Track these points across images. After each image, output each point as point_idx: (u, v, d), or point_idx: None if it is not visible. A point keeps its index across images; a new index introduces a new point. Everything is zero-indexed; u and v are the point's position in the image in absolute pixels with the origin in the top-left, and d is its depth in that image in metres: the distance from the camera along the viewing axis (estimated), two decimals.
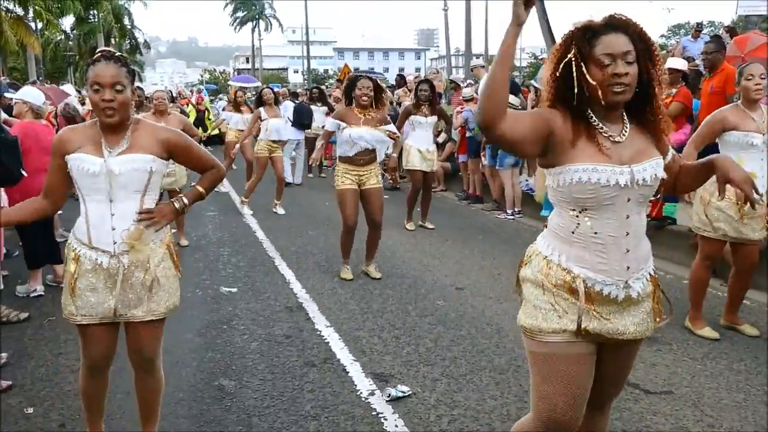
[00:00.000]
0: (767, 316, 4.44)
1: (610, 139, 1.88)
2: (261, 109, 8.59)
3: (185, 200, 2.57)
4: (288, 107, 11.04)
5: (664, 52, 11.48)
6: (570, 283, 1.91)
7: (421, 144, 7.36)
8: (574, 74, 1.84)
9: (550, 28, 13.17)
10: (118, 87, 2.33)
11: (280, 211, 8.53)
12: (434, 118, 7.46)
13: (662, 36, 37.36)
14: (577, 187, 1.85)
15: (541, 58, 14.29)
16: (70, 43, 42.97)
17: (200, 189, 2.62)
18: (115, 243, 2.40)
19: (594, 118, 1.90)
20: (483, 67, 10.60)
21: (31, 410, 3.22)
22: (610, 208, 1.87)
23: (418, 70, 55.49)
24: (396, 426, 3.00)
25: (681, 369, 3.62)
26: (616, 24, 1.85)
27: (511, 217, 8.06)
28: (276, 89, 12.17)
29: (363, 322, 4.40)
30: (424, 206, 7.57)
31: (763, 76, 3.81)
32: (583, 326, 1.90)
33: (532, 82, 9.10)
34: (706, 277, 4.16)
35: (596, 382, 2.05)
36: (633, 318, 1.97)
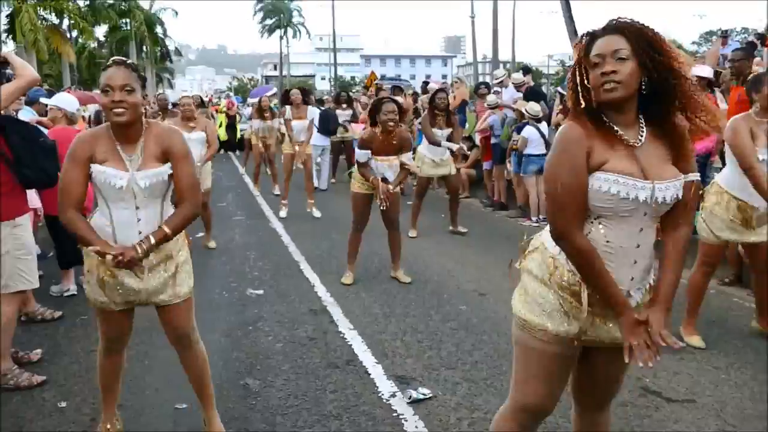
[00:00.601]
0: None
1: (626, 143, 1.87)
2: (287, 107, 8.70)
3: (152, 241, 2.55)
4: (313, 113, 11.19)
5: (695, 58, 11.33)
6: (574, 286, 1.92)
7: (434, 154, 7.42)
8: (577, 80, 1.89)
9: (577, 35, 13.13)
10: (128, 88, 2.44)
11: (316, 213, 8.65)
12: (449, 131, 7.42)
13: (693, 43, 36.92)
14: (597, 195, 1.84)
15: (568, 66, 14.18)
16: (104, 50, 43.94)
17: (166, 230, 2.57)
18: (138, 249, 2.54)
19: (609, 122, 1.88)
20: (500, 82, 10.48)
21: (64, 404, 3.34)
22: (626, 219, 1.87)
23: (444, 77, 55.55)
24: (416, 427, 3.05)
25: (704, 378, 3.60)
26: (613, 26, 1.86)
27: (536, 224, 8.05)
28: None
29: (386, 326, 4.46)
30: (453, 212, 7.62)
31: None
32: (584, 333, 1.94)
33: (558, 89, 9.10)
34: (704, 284, 4.12)
35: (596, 385, 2.12)
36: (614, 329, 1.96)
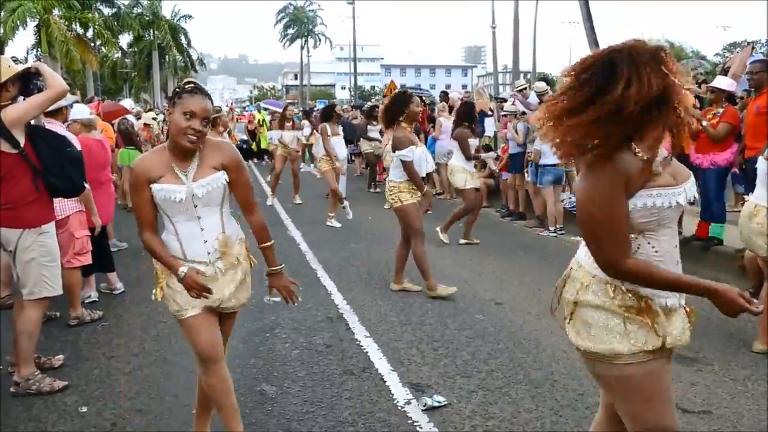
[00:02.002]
0: None
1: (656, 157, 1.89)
2: (326, 125, 8.98)
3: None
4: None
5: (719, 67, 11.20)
6: (639, 304, 1.91)
7: (459, 161, 7.53)
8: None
9: (598, 46, 13.07)
10: (206, 120, 2.57)
11: (336, 224, 8.74)
12: (475, 141, 7.65)
13: (717, 54, 36.49)
14: (642, 212, 1.86)
15: None
16: (127, 60, 44.69)
17: (269, 244, 2.91)
18: (209, 254, 2.67)
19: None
20: (526, 88, 10.49)
21: (85, 409, 3.40)
22: (667, 225, 1.92)
23: (465, 86, 55.52)
24: None
25: (721, 389, 3.57)
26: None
27: (554, 234, 8.03)
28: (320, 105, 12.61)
29: (402, 334, 4.49)
30: (452, 220, 7.64)
31: None
32: (667, 343, 1.91)
33: None
34: None
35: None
36: (678, 325, 1.98)
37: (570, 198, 8.53)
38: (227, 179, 2.65)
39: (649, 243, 1.91)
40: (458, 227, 7.70)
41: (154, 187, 2.59)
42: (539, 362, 3.96)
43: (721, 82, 6.07)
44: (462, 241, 7.53)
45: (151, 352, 4.24)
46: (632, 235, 1.89)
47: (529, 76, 27.14)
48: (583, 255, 2.02)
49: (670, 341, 1.92)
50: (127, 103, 14.30)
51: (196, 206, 2.61)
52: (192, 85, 2.61)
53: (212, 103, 2.64)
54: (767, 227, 3.92)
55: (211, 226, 2.68)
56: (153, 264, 2.78)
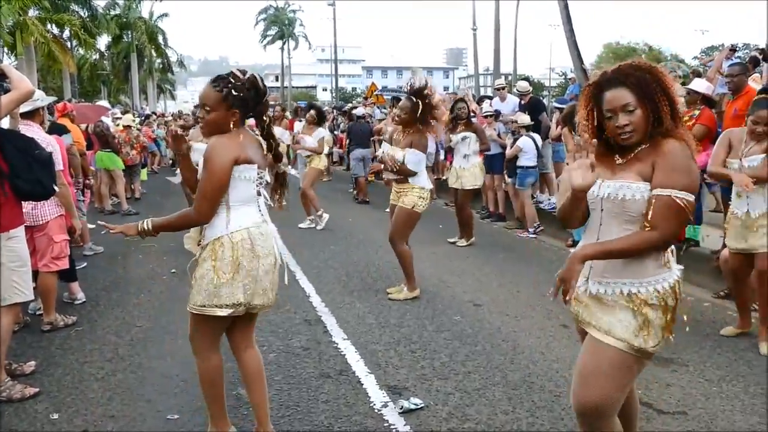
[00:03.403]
0: None
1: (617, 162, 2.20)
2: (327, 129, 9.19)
3: (149, 225, 2.78)
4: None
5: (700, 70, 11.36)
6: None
7: (456, 162, 7.57)
8: (593, 124, 2.22)
9: (578, 50, 13.20)
10: (206, 108, 2.68)
11: (303, 225, 8.73)
12: (470, 135, 7.58)
13: (695, 57, 36.94)
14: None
15: (570, 78, 14.27)
16: (105, 62, 44.16)
17: (165, 221, 2.82)
18: (187, 236, 2.89)
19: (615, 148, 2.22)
20: (504, 88, 10.62)
21: (56, 416, 3.33)
22: (593, 211, 2.26)
23: (446, 88, 55.70)
24: None
25: (696, 390, 3.60)
26: (615, 80, 2.11)
27: (533, 236, 8.06)
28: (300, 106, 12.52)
29: (380, 336, 4.47)
30: (460, 224, 7.68)
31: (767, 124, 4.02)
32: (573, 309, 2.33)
33: (555, 103, 9.14)
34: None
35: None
36: (602, 313, 2.26)
37: (549, 200, 8.59)
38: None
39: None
40: (444, 230, 7.72)
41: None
42: (516, 364, 3.96)
43: (699, 85, 6.13)
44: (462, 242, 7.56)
45: (125, 357, 4.17)
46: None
47: (510, 77, 27.27)
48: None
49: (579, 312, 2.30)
50: (105, 103, 14.14)
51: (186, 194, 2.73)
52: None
53: (222, 91, 2.66)
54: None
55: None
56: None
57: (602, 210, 2.19)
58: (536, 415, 3.28)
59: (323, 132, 9.18)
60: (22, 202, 3.75)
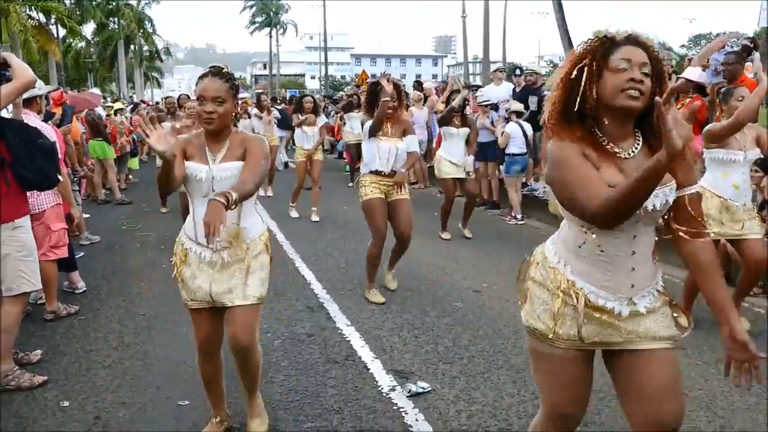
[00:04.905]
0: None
1: (617, 155, 1.86)
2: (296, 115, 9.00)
3: (234, 196, 2.50)
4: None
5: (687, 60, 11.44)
6: (574, 294, 1.92)
7: (452, 155, 7.27)
8: (583, 82, 1.84)
9: (569, 38, 13.24)
10: (219, 100, 2.63)
11: (314, 218, 8.54)
12: (466, 130, 7.32)
13: (682, 46, 37.10)
14: None
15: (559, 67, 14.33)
16: (91, 49, 43.65)
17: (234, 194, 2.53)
18: (217, 240, 2.58)
19: (601, 135, 1.87)
20: (502, 71, 10.68)
21: (66, 403, 3.36)
22: (618, 228, 1.84)
23: (435, 76, 55.67)
24: (416, 420, 3.12)
25: (695, 372, 3.69)
26: (636, 40, 1.85)
27: (521, 221, 8.16)
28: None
29: (383, 322, 4.52)
30: (466, 214, 7.48)
31: None
32: (583, 335, 1.93)
33: (547, 91, 9.18)
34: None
35: (637, 401, 1.93)
36: (645, 325, 1.94)
37: (545, 188, 8.67)
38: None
39: (595, 239, 1.89)
40: (439, 219, 7.77)
41: (187, 164, 2.70)
42: (519, 348, 4.03)
43: (692, 74, 6.20)
44: (446, 235, 7.51)
45: (131, 345, 4.21)
46: (581, 228, 1.91)
47: (499, 65, 27.33)
48: (549, 241, 2.08)
49: (585, 336, 1.93)
50: (96, 90, 14.03)
51: (214, 189, 2.63)
52: (209, 69, 2.71)
53: (230, 83, 2.68)
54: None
55: (229, 214, 2.63)
56: (175, 249, 2.88)
57: (637, 222, 1.86)
58: None
59: (324, 119, 9.25)
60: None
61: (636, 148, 1.88)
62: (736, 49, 7.84)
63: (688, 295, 4.30)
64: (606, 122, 1.86)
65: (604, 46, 1.86)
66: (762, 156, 4.45)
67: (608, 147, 1.87)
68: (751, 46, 8.62)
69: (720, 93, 4.50)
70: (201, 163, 2.70)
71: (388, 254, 5.35)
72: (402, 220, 5.02)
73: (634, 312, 1.92)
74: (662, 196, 1.83)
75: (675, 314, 2.02)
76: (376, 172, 4.99)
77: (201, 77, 2.70)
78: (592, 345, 1.96)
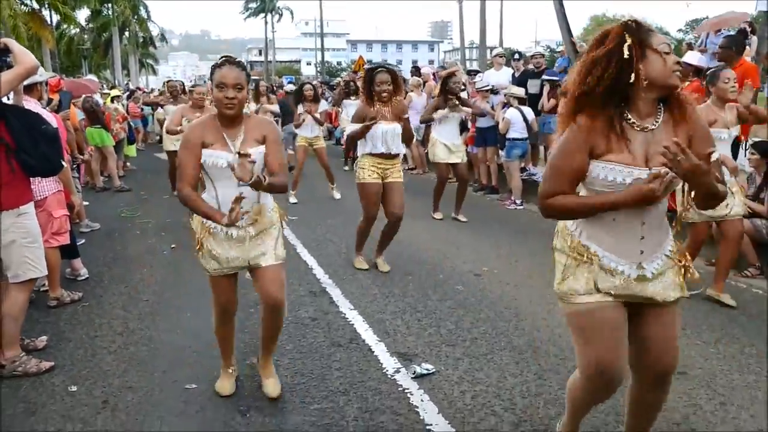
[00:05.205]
0: None
1: (645, 129, 2.03)
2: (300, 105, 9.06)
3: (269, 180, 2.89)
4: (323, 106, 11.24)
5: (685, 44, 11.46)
6: (588, 256, 2.14)
7: (446, 138, 7.34)
8: (632, 62, 1.96)
9: (567, 23, 13.18)
10: (239, 86, 2.85)
11: (336, 195, 9.04)
12: (461, 112, 7.41)
13: (680, 30, 36.97)
14: (597, 180, 2.05)
15: (559, 51, 14.27)
16: (85, 36, 43.30)
17: (271, 181, 2.90)
18: (242, 218, 2.94)
19: (628, 114, 2.04)
20: (502, 56, 10.66)
21: (74, 388, 3.40)
22: None
23: (431, 62, 55.35)
24: (422, 400, 3.16)
25: (694, 352, 3.73)
26: (661, 30, 2.09)
27: (521, 206, 8.19)
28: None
29: (385, 306, 4.56)
30: (458, 199, 7.56)
31: (735, 80, 4.39)
32: (602, 288, 2.12)
33: (545, 76, 9.17)
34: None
35: (643, 353, 2.21)
36: (654, 286, 2.14)
37: (529, 169, 8.71)
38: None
39: (609, 212, 2.07)
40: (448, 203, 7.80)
41: (205, 152, 2.91)
42: (521, 330, 4.08)
43: (691, 58, 6.22)
44: (438, 215, 7.62)
45: (135, 330, 4.24)
46: None
47: (498, 50, 27.28)
48: None
49: (603, 285, 2.12)
50: (93, 77, 13.94)
51: None
52: (223, 58, 2.91)
53: (245, 71, 2.91)
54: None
55: (248, 195, 2.92)
56: (191, 223, 3.11)
57: None
58: (544, 377, 3.40)
59: (325, 106, 9.36)
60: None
61: (658, 119, 2.06)
62: (732, 33, 7.88)
63: (693, 254, 4.56)
64: (640, 100, 2.02)
65: (639, 28, 2.00)
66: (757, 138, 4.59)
67: (634, 123, 2.04)
68: (749, 30, 8.63)
69: (707, 75, 4.64)
70: (223, 150, 2.91)
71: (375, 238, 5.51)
72: (395, 202, 5.25)
73: (641, 276, 2.11)
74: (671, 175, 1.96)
75: (685, 272, 2.22)
76: (374, 154, 5.16)
77: (218, 66, 2.88)
78: (614, 297, 2.13)
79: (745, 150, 5.61)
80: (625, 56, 1.96)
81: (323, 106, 9.21)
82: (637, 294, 2.14)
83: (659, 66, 1.98)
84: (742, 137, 6.19)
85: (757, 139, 6.08)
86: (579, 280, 2.15)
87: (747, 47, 7.66)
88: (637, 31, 1.99)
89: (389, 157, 5.18)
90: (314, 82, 10.49)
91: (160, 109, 10.78)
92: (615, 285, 2.12)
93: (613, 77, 1.98)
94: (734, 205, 4.38)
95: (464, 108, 7.42)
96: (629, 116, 2.04)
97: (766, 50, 8.48)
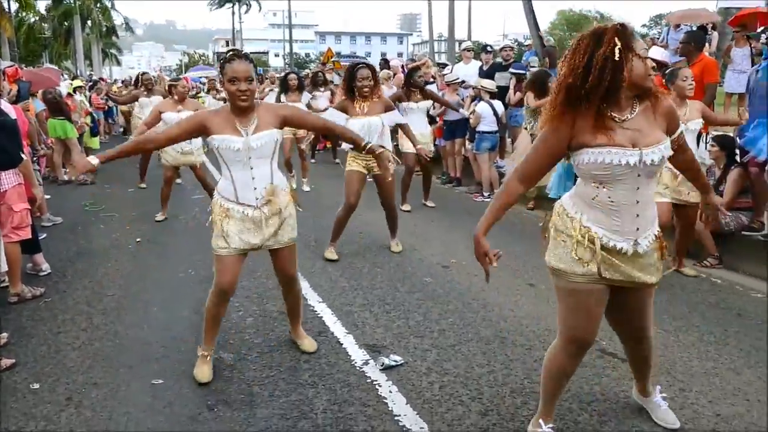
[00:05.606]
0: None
1: (617, 120, 2.26)
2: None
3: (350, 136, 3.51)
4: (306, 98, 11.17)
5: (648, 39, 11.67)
6: (590, 238, 2.36)
7: (415, 128, 7.37)
8: (623, 65, 2.16)
9: (535, 17, 13.32)
10: (250, 79, 3.04)
11: (305, 187, 9.08)
12: (426, 102, 7.67)
13: (644, 26, 37.62)
14: (594, 166, 2.27)
15: (527, 45, 14.40)
16: (45, 25, 42.14)
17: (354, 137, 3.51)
18: (257, 199, 3.22)
19: (607, 107, 2.25)
20: (471, 50, 10.77)
21: (37, 386, 3.33)
22: (623, 181, 2.29)
23: (400, 54, 55.42)
24: (390, 392, 3.18)
25: (656, 341, 3.79)
26: (634, 31, 2.25)
27: (488, 199, 8.26)
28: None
29: (354, 298, 4.57)
30: (425, 186, 7.91)
31: (693, 78, 4.67)
32: (603, 273, 2.38)
33: (512, 69, 9.24)
34: None
35: (627, 321, 2.63)
36: (640, 267, 2.42)
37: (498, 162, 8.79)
38: (278, 138, 3.20)
39: (605, 193, 2.33)
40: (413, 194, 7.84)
41: (216, 137, 3.10)
42: (488, 321, 4.13)
43: (655, 53, 6.33)
44: (406, 207, 7.66)
45: (100, 326, 4.17)
46: (593, 184, 2.34)
47: (466, 44, 27.41)
48: (566, 196, 2.52)
49: (607, 274, 2.39)
50: (51, 66, 13.57)
51: (250, 157, 3.13)
52: (231, 53, 3.08)
53: (253, 63, 3.12)
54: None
55: (262, 176, 3.21)
56: (214, 210, 3.30)
57: (639, 175, 2.29)
58: (510, 367, 3.45)
59: (308, 96, 9.38)
60: None
61: (635, 110, 2.30)
62: (692, 29, 8.06)
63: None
64: (622, 97, 2.25)
65: (627, 33, 2.20)
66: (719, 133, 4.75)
67: (614, 116, 2.27)
68: (709, 26, 8.84)
69: (666, 74, 4.83)
70: (234, 135, 3.10)
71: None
72: (384, 192, 5.58)
73: (635, 252, 2.37)
74: (658, 152, 2.28)
75: (667, 258, 2.61)
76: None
77: (227, 61, 3.05)
78: (605, 281, 2.41)
79: (705, 143, 5.75)
80: (616, 59, 2.14)
81: (306, 96, 9.20)
82: (626, 276, 2.40)
83: (641, 70, 2.21)
84: (704, 131, 6.35)
85: (716, 133, 6.23)
86: (579, 262, 2.38)
87: (707, 43, 7.85)
88: (624, 35, 2.18)
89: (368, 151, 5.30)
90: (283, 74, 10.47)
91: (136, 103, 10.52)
92: (611, 268, 2.38)
93: (609, 78, 2.16)
94: (693, 190, 4.57)
95: (427, 100, 7.54)
96: (611, 111, 2.26)
97: (726, 46, 8.70)
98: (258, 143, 3.12)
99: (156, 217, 7.28)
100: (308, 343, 3.68)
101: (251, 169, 3.16)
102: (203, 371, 3.34)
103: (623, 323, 2.67)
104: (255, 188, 3.19)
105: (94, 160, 3.10)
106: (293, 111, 3.41)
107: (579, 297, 2.44)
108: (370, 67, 5.41)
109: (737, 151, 5.58)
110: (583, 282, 2.40)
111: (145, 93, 9.87)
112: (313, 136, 8.90)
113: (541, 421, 2.71)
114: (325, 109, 6.64)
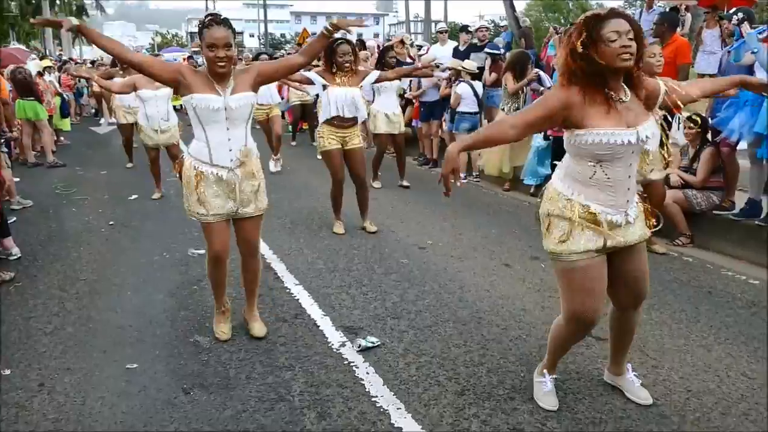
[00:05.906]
0: None
1: (619, 101, 2.43)
2: None
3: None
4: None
5: None
6: (591, 216, 2.50)
7: (387, 108, 7.67)
8: (580, 51, 2.37)
9: (511, 1, 13.29)
10: (228, 45, 3.07)
11: (272, 167, 8.96)
12: (397, 82, 7.73)
13: (619, 7, 37.72)
14: (598, 146, 2.41)
15: (503, 26, 14.38)
16: (12, 2, 40.92)
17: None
18: (231, 161, 3.24)
19: (606, 88, 2.42)
20: (446, 31, 10.74)
21: (8, 372, 3.27)
22: (621, 159, 2.45)
23: (376, 35, 54.90)
24: (367, 373, 3.19)
25: None
26: (618, 13, 2.39)
27: (464, 180, 8.27)
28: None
29: (330, 280, 4.56)
30: (399, 166, 7.97)
31: (661, 55, 4.67)
32: (609, 245, 2.53)
33: (487, 49, 9.20)
34: None
35: (624, 285, 2.71)
36: (632, 229, 2.60)
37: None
38: (253, 101, 3.23)
39: (603, 171, 2.48)
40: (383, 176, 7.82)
41: (196, 96, 3.11)
42: (464, 301, 4.15)
43: None
44: (377, 184, 7.71)
45: (73, 311, 4.10)
46: (590, 163, 2.47)
47: (441, 25, 27.30)
48: (554, 176, 2.64)
49: (611, 243, 2.54)
50: (19, 45, 13.22)
51: (227, 118, 3.15)
52: (210, 17, 3.08)
53: (231, 28, 3.12)
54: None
55: (237, 138, 3.24)
56: (185, 173, 3.30)
57: (633, 152, 2.48)
58: (487, 347, 3.48)
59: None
60: None
61: (627, 96, 2.47)
62: (666, 9, 8.11)
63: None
64: (611, 80, 2.42)
65: (593, 22, 2.36)
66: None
67: (612, 95, 2.43)
68: (683, 7, 8.89)
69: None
70: (212, 93, 3.12)
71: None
72: (357, 165, 5.64)
73: (626, 221, 2.56)
74: (650, 128, 2.47)
75: (648, 217, 2.72)
76: (332, 123, 5.46)
77: (205, 26, 3.04)
78: (604, 250, 2.56)
79: (679, 123, 5.80)
80: (579, 50, 2.36)
81: None
82: (621, 243, 2.55)
83: (608, 53, 2.34)
84: (677, 111, 6.41)
85: (689, 113, 6.30)
86: (577, 242, 2.51)
87: (680, 25, 7.90)
88: (592, 25, 2.36)
89: (345, 122, 5.46)
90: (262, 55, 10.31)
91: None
92: (608, 239, 2.52)
93: (584, 65, 2.38)
94: (658, 170, 4.78)
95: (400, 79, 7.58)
96: (610, 92, 2.42)
97: (698, 26, 8.77)
98: (237, 104, 3.15)
99: (152, 195, 7.41)
100: (258, 328, 3.60)
101: (227, 129, 3.19)
102: (222, 329, 3.58)
103: (619, 288, 2.73)
104: (230, 149, 3.22)
105: (75, 20, 3.06)
106: (262, 65, 3.44)
107: (579, 275, 2.55)
108: (350, 42, 5.41)
109: (709, 131, 5.65)
110: (582, 259, 2.53)
111: (121, 72, 9.66)
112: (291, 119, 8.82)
113: (545, 371, 2.93)
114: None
